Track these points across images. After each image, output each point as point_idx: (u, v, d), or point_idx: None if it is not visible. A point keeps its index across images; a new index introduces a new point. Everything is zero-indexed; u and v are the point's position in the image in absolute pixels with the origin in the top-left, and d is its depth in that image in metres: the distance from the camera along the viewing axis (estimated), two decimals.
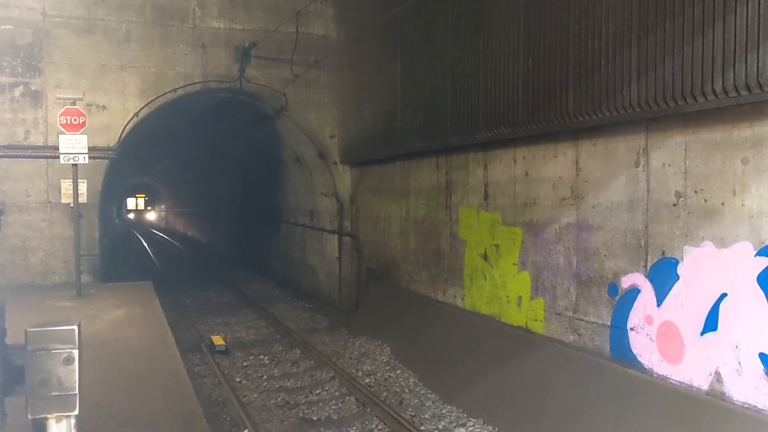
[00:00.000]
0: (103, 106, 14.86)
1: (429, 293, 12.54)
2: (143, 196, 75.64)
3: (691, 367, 6.65)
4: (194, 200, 43.44)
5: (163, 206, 67.67)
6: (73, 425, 1.29)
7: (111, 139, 14.90)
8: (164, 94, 15.32)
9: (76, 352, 1.26)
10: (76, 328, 1.29)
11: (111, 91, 14.92)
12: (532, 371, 8.73)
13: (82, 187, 13.34)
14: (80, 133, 12.44)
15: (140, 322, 10.78)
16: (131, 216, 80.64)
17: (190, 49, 15.56)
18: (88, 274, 14.47)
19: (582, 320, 8.32)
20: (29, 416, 1.27)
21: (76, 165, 12.56)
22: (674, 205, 6.90)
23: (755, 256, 5.97)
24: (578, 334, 8.38)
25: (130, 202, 78.67)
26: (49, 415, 1.24)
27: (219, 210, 35.02)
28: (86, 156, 12.51)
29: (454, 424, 8.78)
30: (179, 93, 15.52)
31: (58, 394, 1.24)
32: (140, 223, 73.80)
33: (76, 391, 1.26)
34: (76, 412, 1.26)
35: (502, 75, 9.40)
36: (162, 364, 8.24)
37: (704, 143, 6.56)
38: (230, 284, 22.34)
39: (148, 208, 78.82)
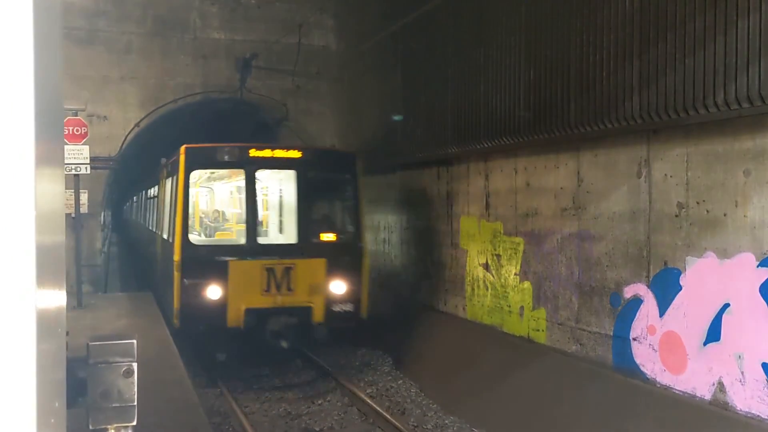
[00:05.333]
0: (105, 117, 14.91)
1: (430, 303, 12.56)
2: None
3: (693, 376, 6.69)
4: None
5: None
6: None
7: (112, 149, 14.94)
8: (165, 104, 15.38)
9: (135, 365, 1.31)
10: (135, 342, 1.34)
11: (112, 101, 14.97)
12: (534, 381, 8.75)
13: (83, 197, 13.34)
14: (82, 144, 12.46)
15: (142, 333, 10.76)
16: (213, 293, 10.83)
17: (191, 59, 15.62)
18: (88, 284, 14.45)
19: (584, 330, 8.36)
20: (90, 427, 1.31)
21: (77, 175, 12.57)
22: (676, 215, 6.96)
23: (757, 267, 6.03)
24: (580, 344, 8.42)
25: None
26: (109, 426, 1.29)
27: None
28: (88, 167, 12.53)
29: None
30: (180, 103, 15.58)
31: (118, 405, 1.29)
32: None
33: (135, 403, 1.31)
34: (134, 422, 1.31)
35: (504, 86, 9.47)
36: (167, 374, 8.25)
37: (706, 155, 6.62)
38: None
39: None
